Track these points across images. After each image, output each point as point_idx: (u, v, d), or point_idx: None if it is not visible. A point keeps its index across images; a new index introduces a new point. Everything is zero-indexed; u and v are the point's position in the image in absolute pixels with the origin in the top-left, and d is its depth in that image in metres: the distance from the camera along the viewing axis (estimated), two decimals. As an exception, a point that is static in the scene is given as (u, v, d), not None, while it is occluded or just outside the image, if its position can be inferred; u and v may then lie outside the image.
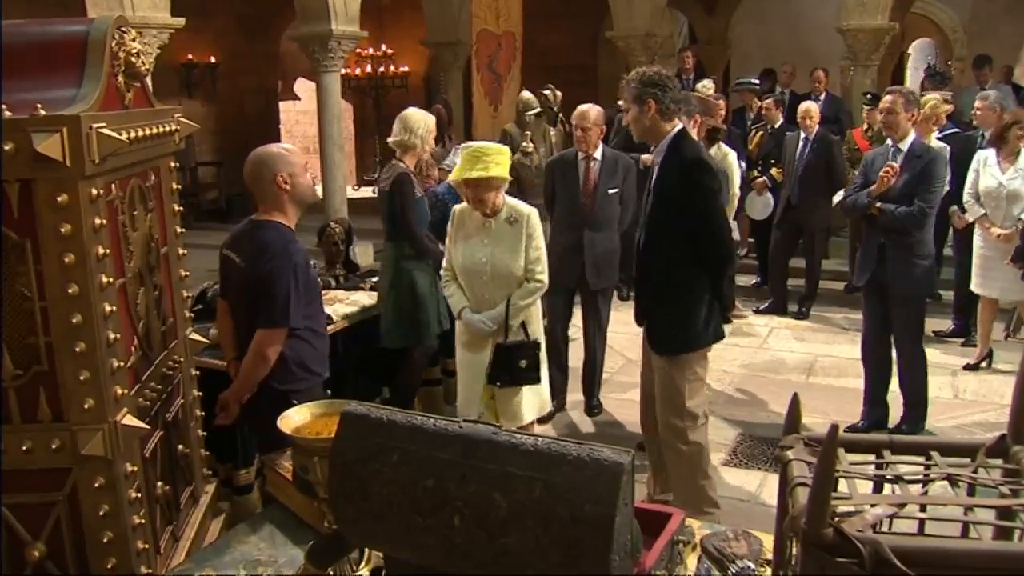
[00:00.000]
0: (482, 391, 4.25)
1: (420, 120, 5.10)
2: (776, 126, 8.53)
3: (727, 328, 4.65)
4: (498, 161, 4.04)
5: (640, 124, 3.92)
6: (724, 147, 7.02)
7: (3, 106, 2.17)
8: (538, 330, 4.38)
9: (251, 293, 3.35)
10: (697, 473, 4.03)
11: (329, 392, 3.63)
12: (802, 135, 7.95)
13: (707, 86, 8.56)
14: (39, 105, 2.21)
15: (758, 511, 4.44)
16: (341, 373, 4.62)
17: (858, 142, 8.13)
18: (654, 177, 3.99)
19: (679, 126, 3.91)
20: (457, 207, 4.36)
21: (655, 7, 11.35)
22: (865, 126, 8.27)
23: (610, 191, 5.56)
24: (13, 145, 2.16)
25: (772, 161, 8.27)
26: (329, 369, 3.61)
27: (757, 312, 8.22)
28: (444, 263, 4.41)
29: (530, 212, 4.22)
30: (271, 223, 3.38)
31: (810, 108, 7.98)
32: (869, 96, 8.44)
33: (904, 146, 5.12)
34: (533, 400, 4.37)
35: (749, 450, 5.22)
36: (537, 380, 4.28)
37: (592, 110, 5.60)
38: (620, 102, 8.11)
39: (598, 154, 5.58)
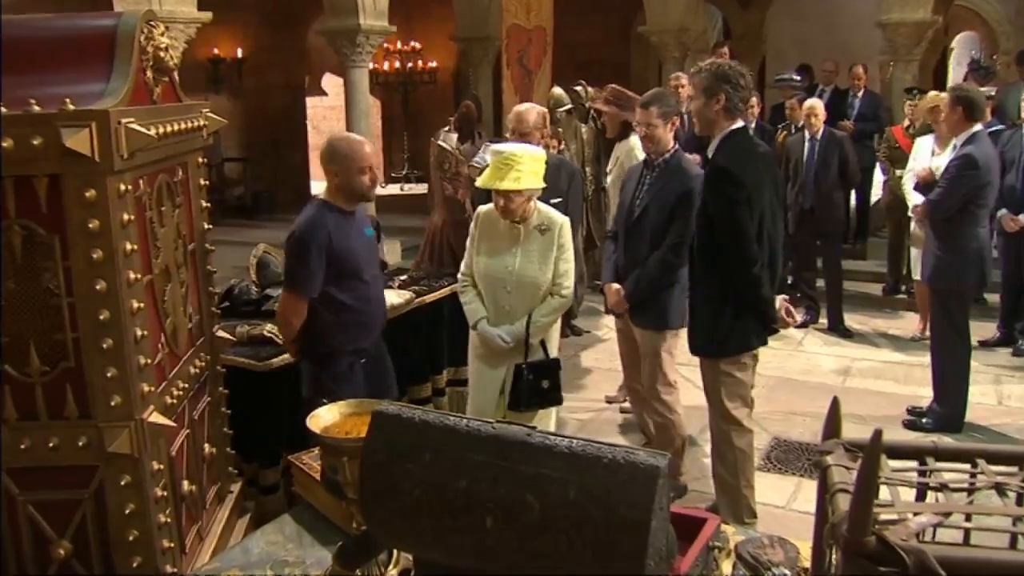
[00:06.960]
0: (495, 407, 4.00)
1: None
2: (800, 125, 8.35)
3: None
4: (533, 169, 3.76)
5: (705, 116, 3.80)
6: (633, 139, 5.95)
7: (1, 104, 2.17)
8: (556, 347, 4.14)
9: None
10: (740, 480, 3.97)
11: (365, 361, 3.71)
12: (807, 135, 7.56)
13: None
14: (68, 99, 2.20)
15: (793, 518, 4.35)
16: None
17: (899, 139, 7.84)
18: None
19: (738, 124, 3.78)
20: (483, 208, 4.08)
21: (689, 1, 11.23)
22: (907, 123, 7.97)
23: (552, 201, 4.76)
24: (42, 140, 2.16)
25: None
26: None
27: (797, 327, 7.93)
28: (463, 267, 4.13)
29: (563, 221, 3.95)
30: (315, 200, 3.58)
31: (815, 106, 7.57)
32: (914, 92, 8.21)
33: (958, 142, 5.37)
34: (549, 420, 4.11)
35: (783, 455, 5.13)
36: (560, 400, 4.02)
37: (532, 112, 5.06)
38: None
39: None
